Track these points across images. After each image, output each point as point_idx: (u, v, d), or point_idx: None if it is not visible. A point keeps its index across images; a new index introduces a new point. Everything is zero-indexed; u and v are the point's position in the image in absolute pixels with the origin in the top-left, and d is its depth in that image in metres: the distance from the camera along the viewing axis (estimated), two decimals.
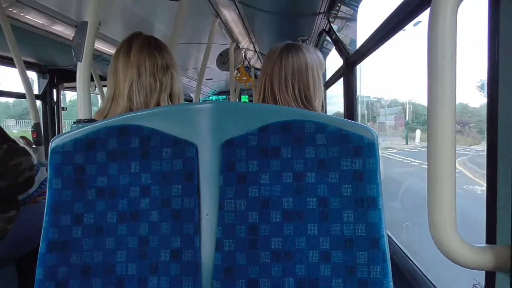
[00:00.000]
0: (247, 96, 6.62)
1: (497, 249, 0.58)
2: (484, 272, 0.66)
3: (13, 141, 1.32)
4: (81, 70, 1.05)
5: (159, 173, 0.79)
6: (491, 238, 0.62)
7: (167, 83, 1.14)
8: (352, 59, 2.00)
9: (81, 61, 1.03)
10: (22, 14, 2.02)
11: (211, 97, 7.19)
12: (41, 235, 0.79)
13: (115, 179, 0.79)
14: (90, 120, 1.03)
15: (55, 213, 0.79)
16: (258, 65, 4.60)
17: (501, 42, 0.58)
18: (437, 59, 0.56)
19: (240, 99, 6.33)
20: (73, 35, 1.16)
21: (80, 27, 1.03)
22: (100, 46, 2.71)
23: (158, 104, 1.12)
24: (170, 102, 1.15)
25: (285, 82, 1.19)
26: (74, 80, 1.12)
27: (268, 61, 1.24)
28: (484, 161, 0.67)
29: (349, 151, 0.76)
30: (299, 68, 1.20)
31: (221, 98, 7.12)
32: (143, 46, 1.13)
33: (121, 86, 1.12)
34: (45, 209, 0.79)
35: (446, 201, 0.58)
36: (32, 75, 3.28)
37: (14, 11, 1.97)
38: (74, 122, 1.00)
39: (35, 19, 2.09)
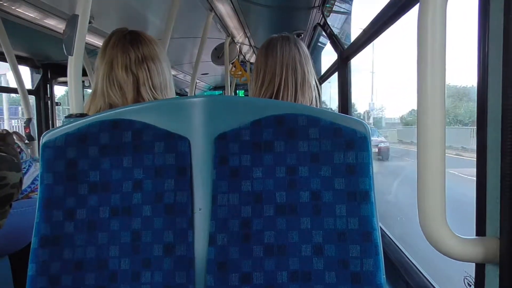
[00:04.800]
0: (243, 91, 6.60)
1: (487, 241, 0.58)
2: (474, 264, 0.67)
3: (7, 153, 1.28)
4: (72, 64, 1.04)
5: (151, 168, 0.78)
6: (480, 230, 0.63)
7: (144, 76, 1.13)
8: (346, 53, 2.00)
9: (72, 55, 1.02)
10: (13, 8, 1.99)
11: (206, 92, 7.16)
12: (33, 231, 0.78)
13: (107, 173, 0.79)
14: (82, 115, 1.02)
15: (47, 208, 0.78)
16: (254, 59, 4.58)
17: (491, 38, 0.58)
18: (426, 54, 0.56)
19: (235, 94, 6.30)
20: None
21: (71, 20, 1.02)
22: (93, 40, 2.69)
23: (140, 97, 1.12)
24: (155, 95, 1.14)
25: (286, 73, 1.20)
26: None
27: (266, 53, 1.24)
28: None
29: (342, 145, 0.76)
30: (297, 59, 1.22)
31: (216, 93, 7.09)
32: (118, 41, 1.13)
33: (99, 82, 1.12)
34: (37, 204, 0.79)
35: (435, 195, 0.58)
36: (25, 69, 3.26)
37: (5, 4, 1.95)
38: (65, 117, 0.99)
39: (27, 12, 2.07)
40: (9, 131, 1.98)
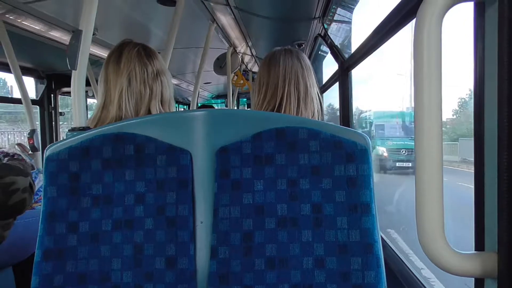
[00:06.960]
0: (246, 99, 6.63)
1: (485, 256, 0.58)
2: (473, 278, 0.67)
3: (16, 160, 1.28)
4: (76, 78, 1.05)
5: (153, 181, 0.79)
6: (479, 244, 0.63)
7: (158, 90, 1.16)
8: (347, 64, 2.01)
9: (75, 69, 1.04)
10: (19, 21, 2.02)
11: (210, 101, 7.20)
12: (37, 243, 0.79)
13: (110, 187, 0.80)
14: (85, 128, 1.04)
15: (50, 221, 0.79)
16: (256, 69, 4.60)
17: (487, 48, 0.59)
18: (423, 67, 0.57)
19: (238, 102, 6.34)
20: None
21: (75, 35, 1.03)
22: (97, 51, 2.72)
23: (148, 111, 1.14)
24: (161, 109, 1.16)
25: (288, 87, 1.21)
26: None
27: (268, 67, 1.25)
28: None
29: (342, 157, 0.76)
30: (299, 73, 1.23)
31: (219, 102, 7.13)
32: (133, 54, 1.15)
33: (111, 94, 1.13)
34: (40, 217, 0.80)
35: (434, 209, 0.58)
36: (30, 80, 3.29)
37: (11, 17, 1.98)
38: (69, 130, 1.00)
39: (32, 25, 2.09)
40: (23, 143, 1.99)
